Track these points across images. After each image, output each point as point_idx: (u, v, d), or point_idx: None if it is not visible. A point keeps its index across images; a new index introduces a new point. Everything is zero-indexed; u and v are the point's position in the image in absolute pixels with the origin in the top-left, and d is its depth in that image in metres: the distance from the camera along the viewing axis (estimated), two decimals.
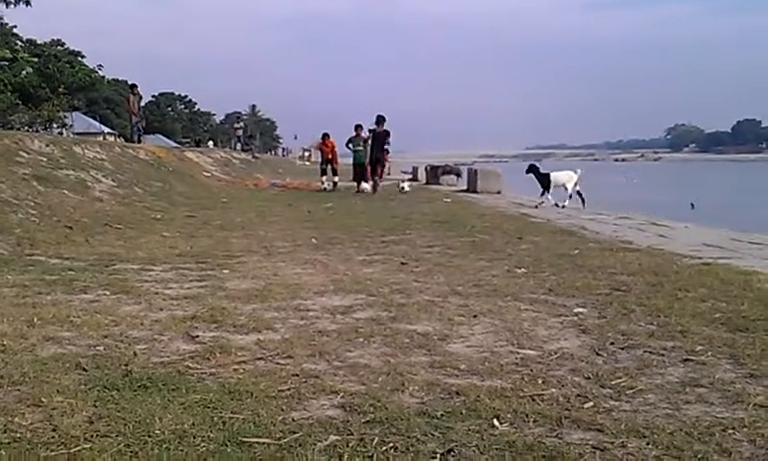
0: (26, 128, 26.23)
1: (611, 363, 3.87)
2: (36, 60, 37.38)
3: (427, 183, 27.49)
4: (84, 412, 3.03)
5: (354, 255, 7.93)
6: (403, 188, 21.16)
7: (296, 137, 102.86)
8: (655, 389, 3.45)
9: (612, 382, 3.52)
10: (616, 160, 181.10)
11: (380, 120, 21.43)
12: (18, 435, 2.80)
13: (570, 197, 15.86)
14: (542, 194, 16.10)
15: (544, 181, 16.28)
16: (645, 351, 4.06)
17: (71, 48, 46.26)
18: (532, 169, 16.77)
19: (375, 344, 4.24)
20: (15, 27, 41.44)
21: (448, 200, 17.49)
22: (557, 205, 15.56)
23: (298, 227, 11.16)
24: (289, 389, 3.39)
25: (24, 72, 35.39)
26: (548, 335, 4.46)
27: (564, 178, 16.43)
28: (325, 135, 23.74)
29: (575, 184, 16.18)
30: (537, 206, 15.35)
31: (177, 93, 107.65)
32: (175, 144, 53.01)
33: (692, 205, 20.32)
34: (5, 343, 4.02)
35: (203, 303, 5.28)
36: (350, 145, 22.29)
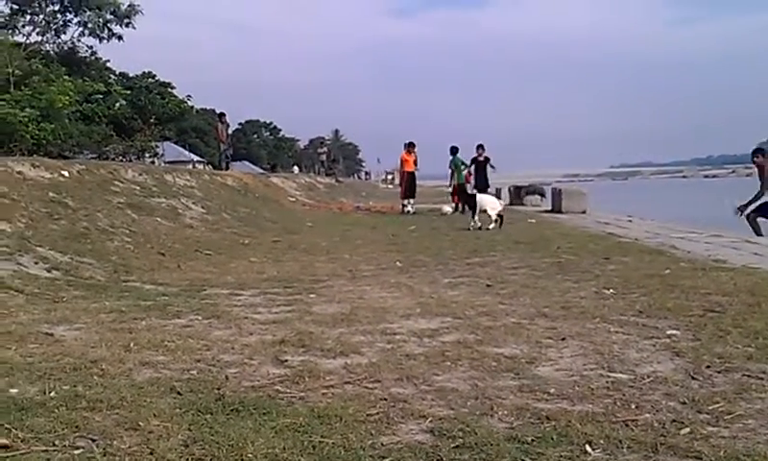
0: (120, 158, 27.18)
1: (707, 387, 3.75)
2: (128, 92, 38.82)
3: (511, 204, 27.25)
4: (179, 435, 3.10)
5: (439, 278, 7.92)
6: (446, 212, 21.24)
7: (378, 161, 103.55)
8: (755, 414, 3.32)
9: (710, 407, 3.41)
10: (706, 177, 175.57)
11: (480, 148, 22.27)
12: (117, 459, 2.88)
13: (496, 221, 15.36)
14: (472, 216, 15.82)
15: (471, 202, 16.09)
16: (743, 375, 3.92)
17: (161, 80, 47.87)
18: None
19: (463, 367, 4.21)
20: (109, 61, 43.19)
21: (533, 220, 17.30)
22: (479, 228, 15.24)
23: (382, 250, 11.22)
24: (377, 413, 3.40)
25: (117, 104, 36.75)
26: (640, 358, 4.35)
27: (488, 202, 16.03)
28: (411, 145, 23.29)
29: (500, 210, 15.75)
30: (470, 228, 15.20)
31: (262, 120, 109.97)
32: (261, 170, 54.09)
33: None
34: (103, 368, 4.16)
35: (291, 327, 5.35)
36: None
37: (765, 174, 13.44)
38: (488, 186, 22.00)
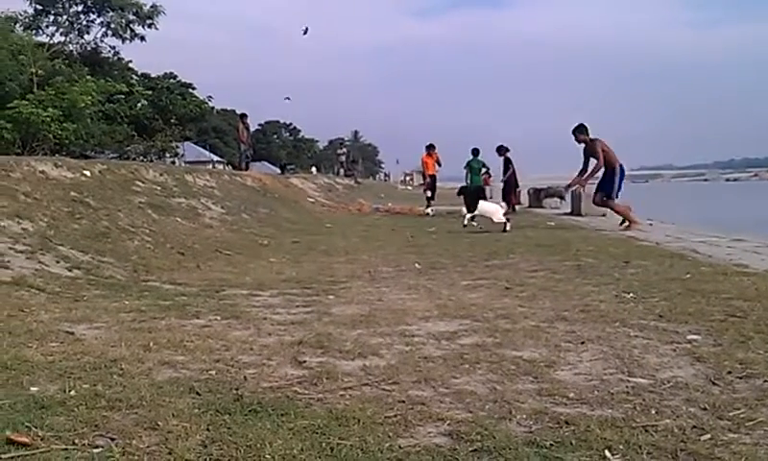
0: (141, 158, 27.46)
1: (728, 393, 3.70)
2: (150, 92, 39.12)
3: (530, 207, 27.17)
4: (197, 436, 3.11)
5: (458, 280, 7.90)
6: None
7: (398, 162, 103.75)
8: None
9: (731, 414, 3.37)
10: (728, 180, 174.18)
11: (500, 150, 23.11)
12: (136, 458, 2.90)
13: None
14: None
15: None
16: (765, 381, 3.87)
17: (182, 80, 48.15)
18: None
19: (481, 370, 4.20)
20: (131, 62, 43.52)
21: (552, 223, 17.24)
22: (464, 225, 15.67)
23: (401, 252, 11.22)
24: (395, 415, 3.40)
25: (139, 105, 37.10)
26: (660, 363, 4.32)
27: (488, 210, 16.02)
28: (431, 147, 23.40)
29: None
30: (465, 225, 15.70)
31: (282, 121, 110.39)
32: (280, 171, 54.31)
33: None
34: (123, 367, 4.18)
35: (309, 328, 5.36)
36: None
37: None
38: (517, 187, 22.51)
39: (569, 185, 16.77)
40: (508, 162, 22.87)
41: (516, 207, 22.50)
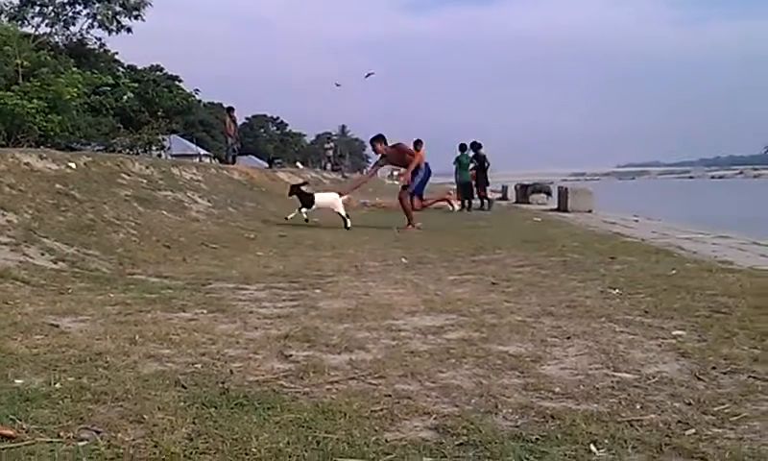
0: (127, 150, 27.29)
1: (713, 388, 3.73)
2: (136, 85, 38.91)
3: (517, 202, 27.26)
4: (183, 429, 3.10)
5: (445, 275, 7.91)
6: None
7: None
8: (760, 416, 3.31)
9: (715, 409, 3.39)
10: (713, 178, 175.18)
11: (473, 145, 23.40)
12: (121, 451, 2.88)
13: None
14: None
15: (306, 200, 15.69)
16: (749, 377, 3.90)
17: (169, 73, 47.96)
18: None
19: (467, 365, 4.21)
20: (117, 53, 43.32)
21: (538, 219, 17.30)
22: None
23: (388, 246, 11.21)
24: (382, 409, 3.40)
25: (125, 97, 36.90)
26: (645, 358, 4.34)
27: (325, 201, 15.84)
28: (418, 143, 23.36)
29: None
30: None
31: (269, 115, 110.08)
32: (267, 165, 54.19)
33: None
34: (108, 360, 4.16)
35: (296, 322, 5.35)
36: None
37: None
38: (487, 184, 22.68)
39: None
40: (478, 158, 22.99)
41: (485, 202, 22.58)
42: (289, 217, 15.08)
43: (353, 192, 17.58)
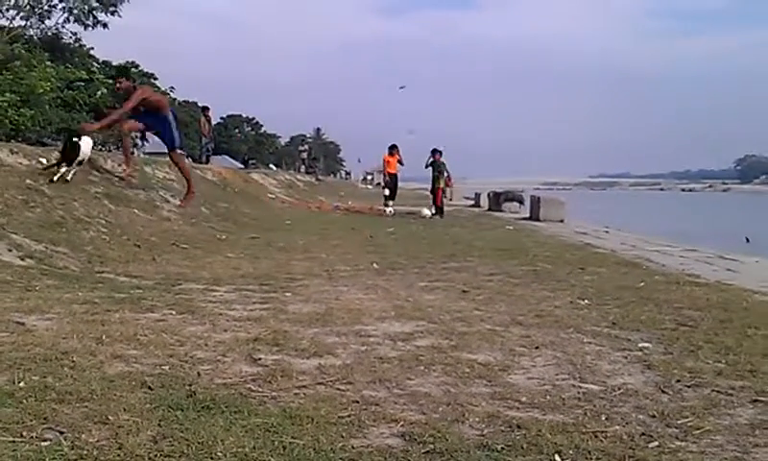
0: (99, 147, 26.99)
1: (677, 401, 3.78)
2: (110, 81, 38.44)
3: (489, 210, 27.39)
4: (149, 431, 3.08)
5: (416, 282, 7.92)
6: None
7: (359, 160, 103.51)
8: (723, 430, 3.36)
9: (679, 422, 3.44)
10: (683, 190, 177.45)
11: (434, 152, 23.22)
12: (85, 452, 2.86)
13: None
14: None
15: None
16: (713, 390, 3.96)
17: (144, 70, 47.49)
18: None
19: (436, 372, 4.22)
20: (92, 49, 42.86)
21: (510, 227, 17.41)
22: None
23: (359, 251, 11.21)
24: (349, 415, 3.40)
25: (99, 92, 36.44)
26: (612, 370, 4.39)
27: None
28: (394, 147, 23.44)
29: None
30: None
31: (244, 115, 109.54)
32: (240, 165, 53.95)
33: (747, 239, 19.66)
34: (74, 359, 4.12)
35: (265, 325, 5.33)
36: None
37: None
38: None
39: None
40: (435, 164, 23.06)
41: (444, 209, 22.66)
42: (55, 179, 11.51)
43: (104, 126, 15.24)
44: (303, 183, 36.75)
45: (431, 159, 23.06)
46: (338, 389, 3.84)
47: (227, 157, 70.09)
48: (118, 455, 2.85)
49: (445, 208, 23.07)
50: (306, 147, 52.16)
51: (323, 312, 5.90)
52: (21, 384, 3.58)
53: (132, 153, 30.13)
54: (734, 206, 64.78)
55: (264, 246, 11.61)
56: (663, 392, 3.94)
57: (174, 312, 5.72)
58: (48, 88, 24.12)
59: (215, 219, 14.73)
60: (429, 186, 23.25)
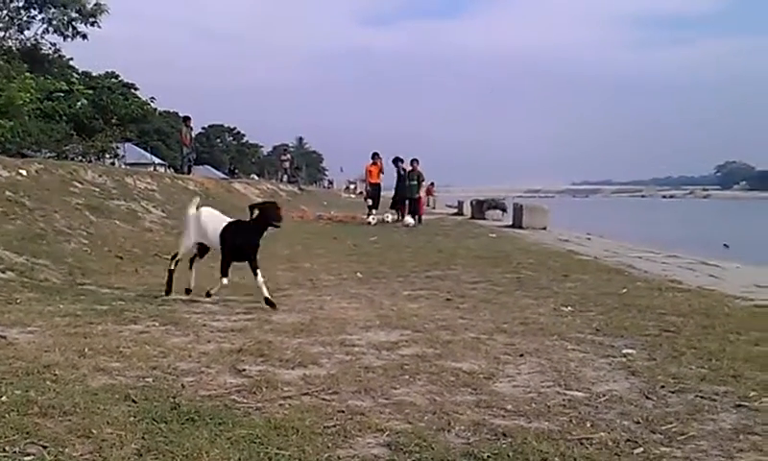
0: (80, 158, 26.85)
1: (661, 407, 3.80)
2: (90, 91, 38.27)
3: (473, 218, 27.44)
4: (132, 444, 3.06)
5: (400, 290, 7.92)
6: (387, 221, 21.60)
7: (342, 170, 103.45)
8: (707, 435, 3.37)
9: (663, 427, 3.45)
10: (664, 197, 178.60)
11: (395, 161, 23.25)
12: None
13: None
14: None
15: None
16: (696, 396, 3.98)
17: (125, 80, 47.31)
18: None
19: (421, 381, 4.22)
20: (72, 59, 42.64)
21: (494, 235, 17.43)
22: None
23: (343, 260, 11.18)
24: (335, 426, 3.39)
25: (79, 103, 36.24)
26: (596, 377, 4.40)
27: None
28: (376, 156, 23.41)
29: None
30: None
31: (226, 125, 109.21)
32: (222, 175, 53.76)
33: (726, 245, 19.82)
34: (57, 373, 4.08)
35: (249, 336, 5.32)
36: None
37: None
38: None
39: None
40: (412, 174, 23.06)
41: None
42: None
43: None
44: (286, 193, 36.64)
45: (410, 168, 23.01)
46: (323, 399, 3.83)
47: (208, 166, 69.88)
48: None
49: (427, 218, 23.10)
50: (289, 156, 51.83)
51: (307, 322, 5.88)
52: (3, 399, 3.55)
53: (113, 163, 30.10)
54: (714, 212, 65.26)
55: None
56: (648, 398, 3.95)
57: (157, 324, 5.69)
58: (27, 99, 23.96)
59: None
60: (396, 196, 23.16)
